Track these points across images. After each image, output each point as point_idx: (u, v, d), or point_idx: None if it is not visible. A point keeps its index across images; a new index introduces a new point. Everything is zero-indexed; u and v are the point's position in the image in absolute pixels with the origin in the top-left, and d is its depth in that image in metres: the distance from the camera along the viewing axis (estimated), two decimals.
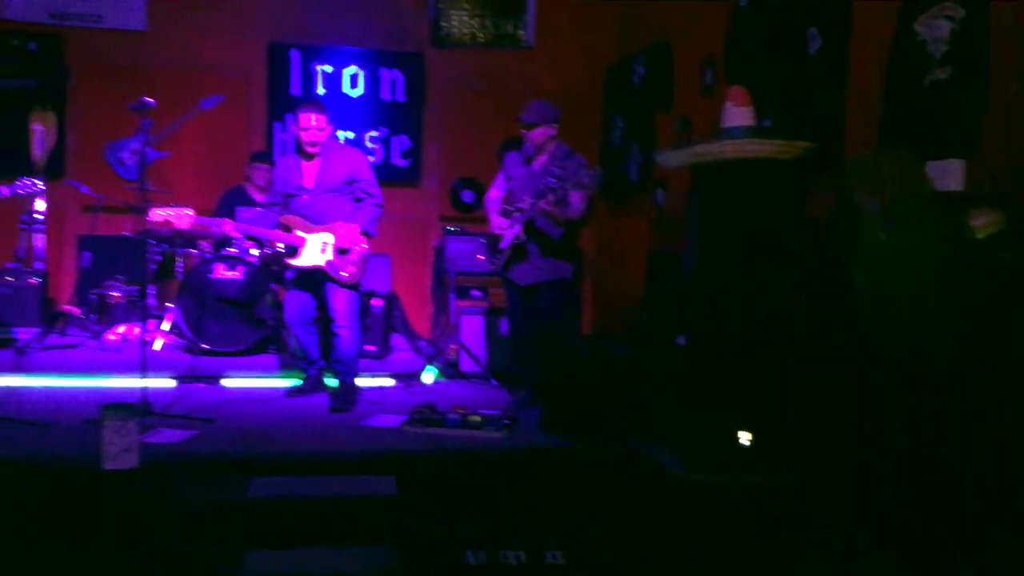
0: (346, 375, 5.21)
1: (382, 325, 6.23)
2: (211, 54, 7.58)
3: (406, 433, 4.54)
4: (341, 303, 5.10)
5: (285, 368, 5.81)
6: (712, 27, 5.87)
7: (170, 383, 5.55)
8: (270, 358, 6.05)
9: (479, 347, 6.09)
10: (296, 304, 5.23)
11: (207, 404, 5.05)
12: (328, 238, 5.02)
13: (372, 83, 7.82)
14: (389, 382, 5.85)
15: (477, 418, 4.58)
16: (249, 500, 3.50)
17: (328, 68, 7.73)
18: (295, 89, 7.68)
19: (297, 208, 5.12)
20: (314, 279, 5.12)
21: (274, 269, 6.13)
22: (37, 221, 6.82)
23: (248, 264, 6.05)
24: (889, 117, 4.17)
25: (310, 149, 5.08)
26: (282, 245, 5.82)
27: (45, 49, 7.26)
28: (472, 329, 6.13)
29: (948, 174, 3.70)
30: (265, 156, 7.02)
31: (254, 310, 6.01)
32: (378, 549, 3.29)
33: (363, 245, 5.08)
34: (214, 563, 3.23)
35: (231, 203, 6.42)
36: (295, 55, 7.68)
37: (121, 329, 6.32)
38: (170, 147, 6.71)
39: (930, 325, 3.17)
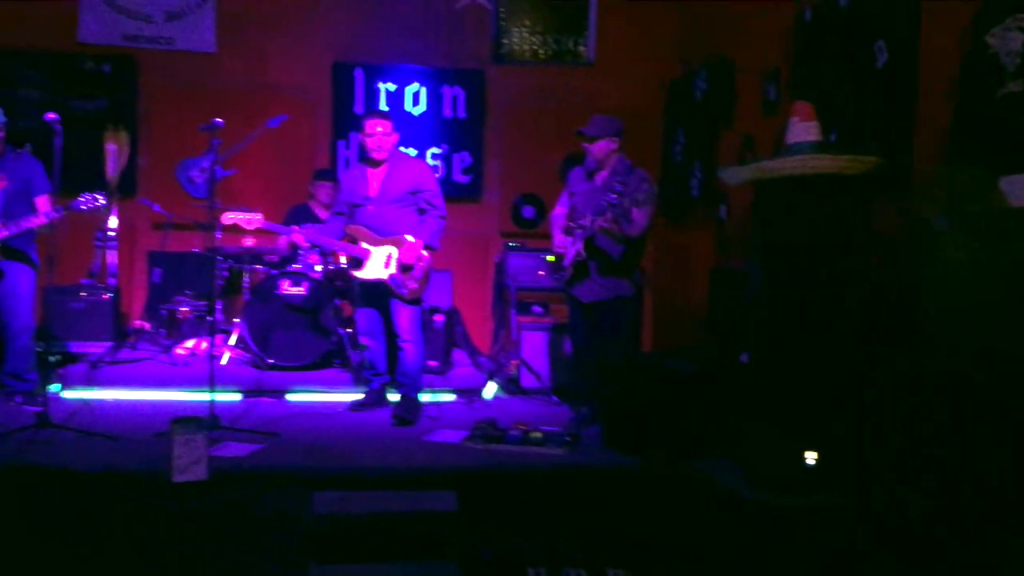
0: (409, 389, 5.25)
1: (444, 340, 6.27)
2: (277, 74, 7.73)
3: (467, 449, 4.55)
4: (404, 318, 5.15)
5: (349, 382, 5.87)
6: (775, 41, 5.81)
7: (236, 397, 5.65)
8: (334, 372, 6.12)
9: (540, 363, 6.09)
10: (364, 318, 5.30)
11: (272, 418, 5.13)
12: (392, 252, 5.07)
13: (434, 100, 7.90)
14: (450, 397, 5.88)
15: (538, 435, 4.57)
16: (314, 514, 3.54)
17: (391, 86, 7.83)
18: (359, 107, 7.78)
19: (362, 219, 5.19)
20: (379, 293, 5.18)
21: (338, 284, 6.21)
22: (110, 238, 7.02)
23: (312, 279, 6.14)
24: (960, 131, 4.07)
25: (375, 155, 5.14)
26: (344, 259, 5.92)
27: (118, 71, 7.48)
28: (533, 345, 6.14)
29: (1021, 189, 3.61)
30: (329, 174, 7.13)
31: (319, 325, 6.09)
32: (440, 565, 3.31)
33: (426, 259, 5.12)
34: None
35: (296, 220, 6.51)
36: (359, 74, 7.80)
37: (190, 343, 6.46)
38: (237, 165, 6.88)
39: (1005, 342, 3.08)
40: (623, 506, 4.00)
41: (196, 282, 6.80)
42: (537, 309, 6.71)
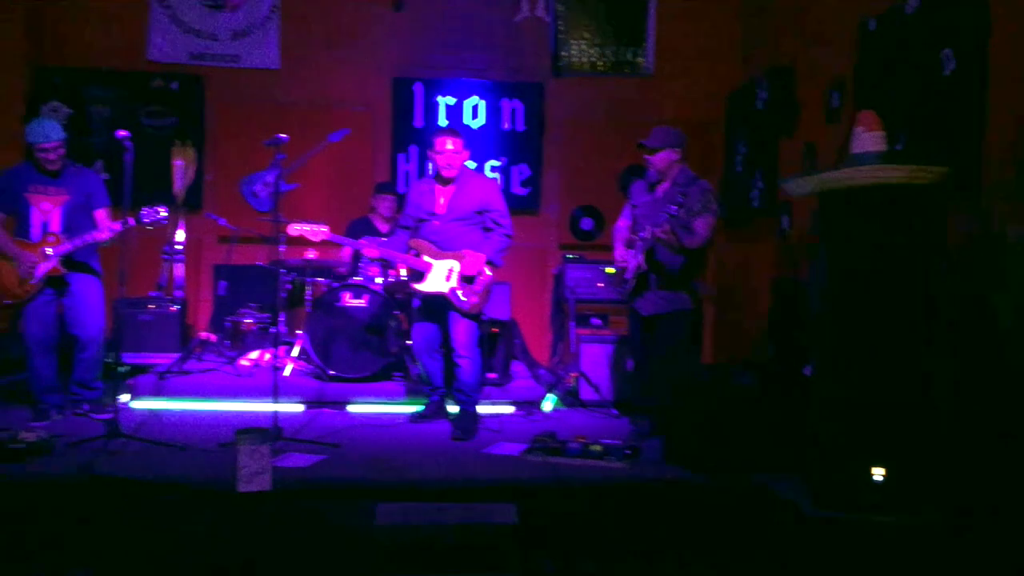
0: (467, 403, 5.26)
1: (503, 352, 6.28)
2: (339, 90, 7.85)
3: (527, 462, 4.54)
4: (463, 332, 5.16)
5: (408, 394, 5.91)
6: (838, 50, 5.72)
7: (299, 408, 5.73)
8: (394, 384, 6.17)
9: (599, 375, 6.06)
10: (422, 332, 5.33)
11: (334, 429, 5.18)
12: (454, 265, 5.10)
13: (493, 113, 7.94)
14: (509, 409, 5.88)
15: (598, 447, 4.55)
16: (376, 525, 3.57)
17: (451, 100, 7.90)
18: (418, 121, 7.87)
19: (427, 233, 5.23)
20: (439, 307, 5.21)
21: (398, 297, 6.26)
22: (177, 252, 7.19)
23: (374, 292, 6.20)
24: None
25: (446, 172, 5.18)
26: (405, 272, 5.97)
27: (186, 88, 7.68)
28: (592, 357, 6.11)
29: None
30: (389, 187, 7.20)
31: (379, 337, 6.14)
32: None
33: (488, 274, 5.14)
34: None
35: (356, 233, 6.59)
36: (418, 88, 7.89)
37: (253, 355, 6.57)
38: (299, 179, 6.99)
39: None
40: (684, 521, 3.96)
41: (260, 294, 6.91)
42: (596, 321, 6.69)
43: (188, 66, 7.63)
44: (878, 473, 3.69)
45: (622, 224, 5.30)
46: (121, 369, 5.21)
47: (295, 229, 5.25)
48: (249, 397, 5.75)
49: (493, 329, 6.17)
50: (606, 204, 7.76)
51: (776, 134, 6.68)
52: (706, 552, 3.76)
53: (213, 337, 6.88)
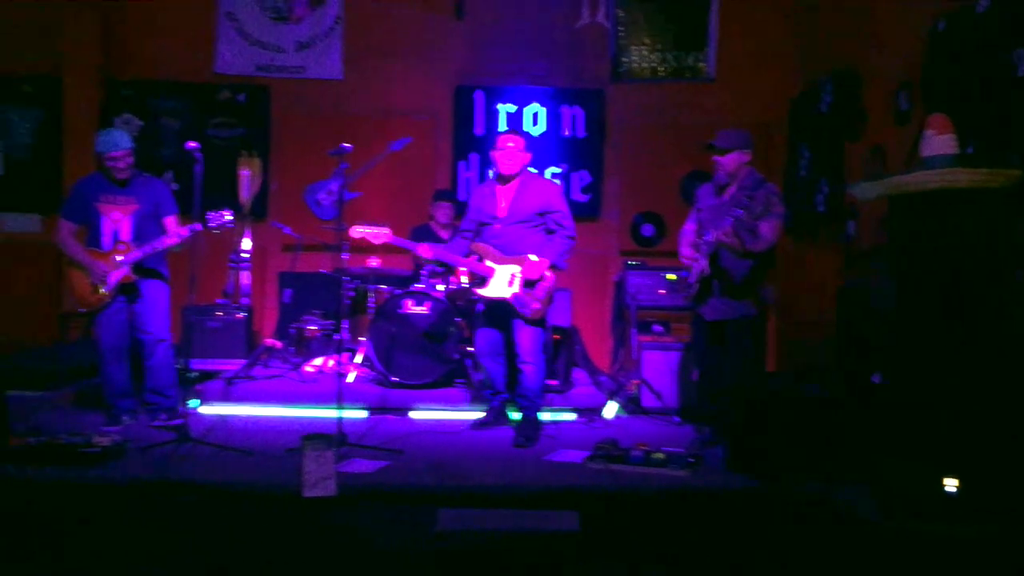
0: (530, 409, 5.26)
1: (564, 359, 6.26)
2: (401, 99, 7.94)
3: (589, 469, 4.53)
4: (526, 338, 5.16)
5: (470, 401, 5.93)
6: (906, 51, 5.61)
7: (362, 414, 5.79)
8: (456, 391, 6.20)
9: (661, 383, 6.02)
10: (485, 338, 5.35)
11: (397, 435, 5.23)
12: (516, 270, 5.11)
13: (553, 120, 7.95)
14: (570, 416, 5.87)
15: (660, 455, 4.51)
16: (438, 531, 3.58)
17: (511, 107, 7.93)
18: (479, 129, 7.91)
19: (488, 238, 5.25)
20: (502, 312, 5.22)
21: (460, 304, 6.29)
22: (243, 259, 7.33)
23: (435, 299, 6.24)
24: None
25: (505, 169, 5.20)
26: (466, 278, 6.00)
27: (252, 99, 7.84)
28: (654, 364, 6.07)
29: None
30: (447, 194, 7.26)
31: (441, 344, 6.18)
32: None
33: (550, 278, 5.14)
34: None
35: (418, 239, 6.62)
36: (479, 96, 7.93)
37: (318, 361, 6.66)
38: (361, 187, 7.07)
39: None
40: (748, 530, 3.91)
41: (324, 301, 7.01)
42: (658, 328, 6.64)
43: (254, 78, 7.79)
44: (951, 484, 3.60)
45: (688, 228, 5.25)
46: (190, 375, 5.31)
47: (357, 231, 5.31)
48: (313, 403, 5.83)
49: (554, 336, 6.16)
50: (667, 210, 7.73)
51: (841, 138, 6.57)
52: (771, 562, 3.70)
53: (278, 344, 6.99)
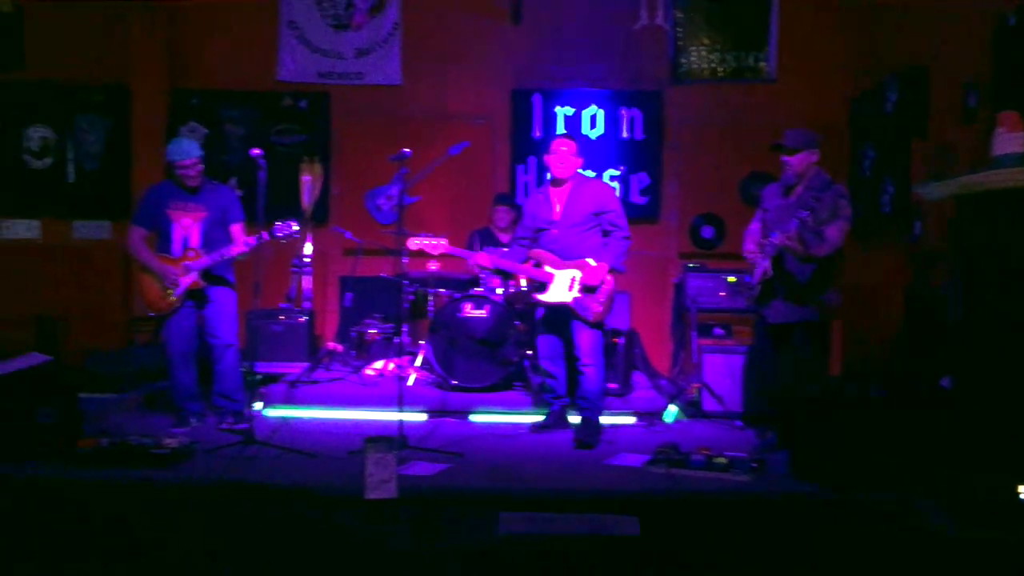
0: (590, 413, 5.25)
1: (623, 362, 6.24)
2: (459, 103, 7.99)
3: (649, 473, 4.50)
4: (586, 341, 5.16)
5: (530, 404, 5.94)
6: (974, 48, 5.47)
7: (422, 417, 5.82)
8: (515, 394, 6.21)
9: (722, 386, 5.95)
10: (545, 342, 5.36)
11: (457, 438, 5.25)
12: (576, 274, 5.11)
13: (611, 122, 7.92)
14: (630, 420, 5.84)
15: (723, 460, 4.46)
16: (499, 534, 3.60)
17: (569, 110, 7.92)
18: (537, 132, 7.92)
19: (546, 243, 5.25)
20: (561, 316, 5.22)
21: (519, 307, 6.31)
22: (305, 264, 7.44)
23: (494, 303, 6.26)
24: None
25: (558, 172, 5.21)
26: (525, 282, 6.01)
27: (313, 106, 7.96)
28: (715, 367, 6.00)
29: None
30: (506, 198, 7.28)
31: (500, 347, 6.20)
32: None
33: (610, 282, 5.13)
34: None
35: (478, 243, 6.69)
36: (537, 99, 7.94)
37: (378, 364, 6.73)
38: (421, 191, 7.14)
39: None
40: (813, 538, 3.85)
41: (384, 305, 7.09)
42: (719, 331, 6.58)
43: (315, 84, 7.91)
44: None
45: (753, 228, 5.18)
46: (254, 378, 5.40)
47: (415, 243, 5.35)
48: (374, 406, 5.89)
49: (614, 339, 6.14)
50: (727, 212, 7.65)
51: (907, 137, 6.43)
52: (836, 572, 3.64)
53: (340, 347, 7.08)
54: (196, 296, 5.35)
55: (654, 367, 7.02)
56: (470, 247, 6.68)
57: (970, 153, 5.19)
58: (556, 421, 5.47)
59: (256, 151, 5.04)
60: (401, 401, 4.93)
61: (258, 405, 5.79)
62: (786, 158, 4.90)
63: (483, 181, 7.91)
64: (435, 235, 5.44)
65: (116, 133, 7.84)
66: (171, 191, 5.40)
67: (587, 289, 5.09)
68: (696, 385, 6.05)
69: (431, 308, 6.75)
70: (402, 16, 7.83)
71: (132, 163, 7.79)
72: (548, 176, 5.41)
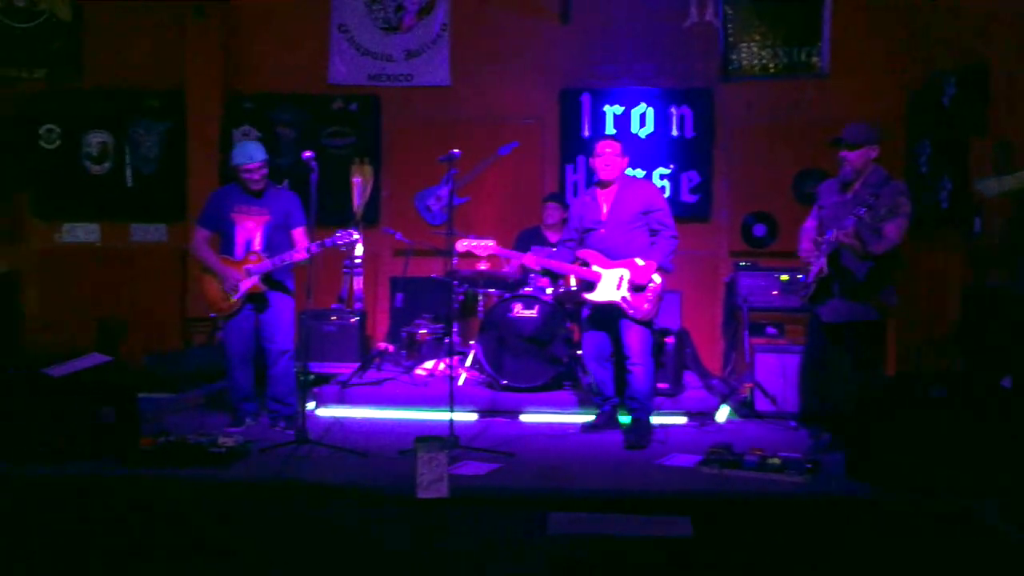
0: (640, 412, 5.22)
1: (674, 362, 6.19)
2: (507, 103, 7.99)
3: (701, 474, 4.47)
4: (635, 340, 5.14)
5: (580, 404, 5.93)
6: None
7: (472, 417, 5.84)
8: (565, 394, 6.20)
9: (775, 386, 5.88)
10: (593, 342, 5.35)
11: (507, 438, 5.26)
12: (624, 273, 5.09)
13: (661, 121, 7.86)
14: (681, 420, 5.79)
15: (776, 461, 4.41)
16: (549, 535, 3.60)
17: (618, 109, 7.88)
18: (586, 131, 7.90)
19: (593, 243, 5.24)
20: (610, 316, 5.21)
21: (568, 307, 6.30)
22: (356, 265, 7.51)
23: (543, 302, 6.26)
24: None
25: (603, 174, 5.21)
26: (574, 281, 5.99)
27: (363, 108, 8.03)
28: (767, 367, 5.93)
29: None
30: (556, 197, 7.28)
31: (550, 347, 6.20)
32: None
33: (657, 281, 5.10)
34: None
35: (527, 242, 6.69)
36: (586, 98, 7.91)
37: (429, 364, 6.77)
38: (470, 192, 7.16)
39: None
40: (870, 541, 3.78)
41: (434, 305, 7.12)
42: (771, 330, 6.50)
43: (365, 87, 7.98)
44: None
45: (809, 225, 5.10)
46: (307, 378, 5.46)
47: (463, 245, 5.36)
48: (425, 406, 5.92)
49: (664, 338, 6.10)
50: (779, 210, 7.56)
51: (966, 132, 6.29)
52: (893, 574, 3.58)
53: (390, 347, 7.13)
54: (256, 300, 5.41)
55: (705, 367, 6.96)
56: (519, 246, 6.68)
57: None
58: (606, 421, 5.45)
59: (308, 154, 5.09)
60: (451, 401, 4.95)
61: (310, 405, 5.86)
62: (845, 153, 4.81)
63: (532, 181, 7.91)
64: (484, 236, 5.45)
65: (172, 137, 7.99)
66: (235, 194, 5.47)
67: (636, 288, 5.07)
68: (748, 385, 5.98)
69: (481, 308, 6.77)
70: (450, 17, 7.87)
71: (187, 167, 7.94)
72: (595, 178, 5.40)
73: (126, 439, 4.63)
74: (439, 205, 7.59)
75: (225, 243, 5.47)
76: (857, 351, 4.78)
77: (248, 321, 5.43)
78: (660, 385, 5.95)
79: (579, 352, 6.14)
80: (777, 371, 5.90)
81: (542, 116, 8.00)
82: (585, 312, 5.40)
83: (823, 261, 4.73)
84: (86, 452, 4.52)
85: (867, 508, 4.02)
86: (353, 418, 5.88)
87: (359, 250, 7.50)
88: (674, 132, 7.87)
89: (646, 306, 5.08)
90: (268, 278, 5.37)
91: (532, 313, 6.26)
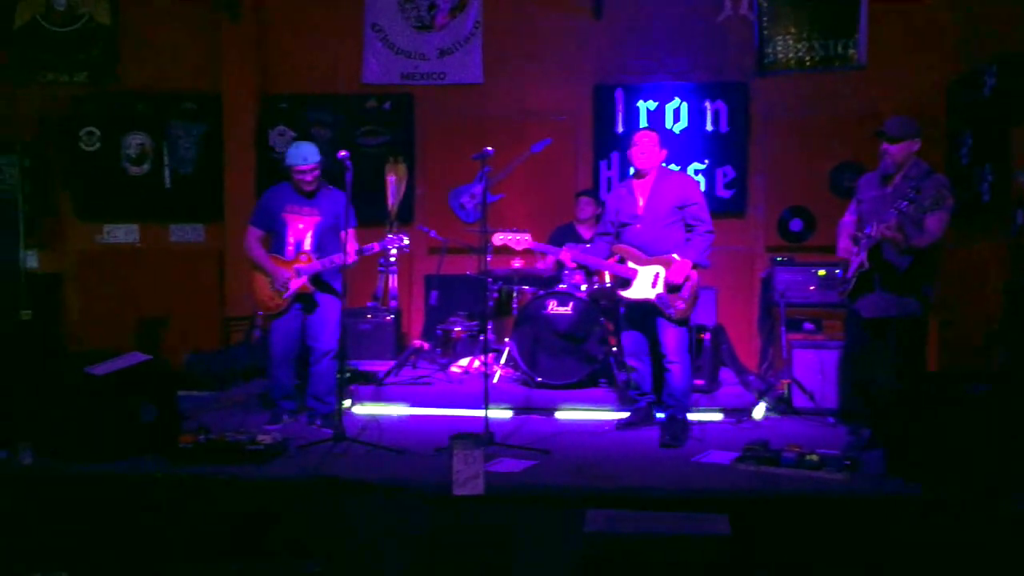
0: (676, 410, 5.20)
1: (710, 359, 6.15)
2: (540, 100, 7.99)
3: (738, 471, 4.43)
4: (671, 338, 5.11)
5: (615, 401, 5.91)
6: None
7: (507, 414, 5.85)
8: (600, 391, 6.19)
9: (813, 382, 5.82)
10: (630, 339, 5.32)
11: (542, 435, 5.26)
12: (660, 271, 5.06)
13: (695, 115, 7.82)
14: (717, 417, 5.76)
15: (815, 458, 4.36)
16: (585, 532, 3.59)
17: (652, 104, 7.85)
18: (619, 127, 7.87)
19: (629, 238, 5.21)
20: (646, 313, 5.18)
21: (603, 304, 6.28)
22: (391, 263, 7.55)
23: (578, 299, 6.25)
24: None
25: (639, 164, 5.18)
26: (609, 278, 5.98)
27: (397, 107, 8.07)
28: (805, 363, 5.88)
29: None
30: (589, 192, 7.27)
31: (585, 344, 6.19)
32: None
33: (694, 278, 5.07)
34: None
35: (561, 239, 6.68)
36: (619, 94, 7.89)
37: (464, 362, 6.79)
38: (503, 189, 7.16)
39: None
40: (911, 539, 3.74)
41: (468, 303, 7.13)
42: (808, 326, 6.43)
43: (399, 86, 8.02)
44: None
45: (847, 220, 5.04)
46: (344, 376, 5.49)
47: (499, 239, 5.36)
48: (460, 403, 5.94)
49: (700, 335, 6.06)
50: (816, 204, 7.48)
51: (1007, 123, 6.18)
52: (934, 573, 3.53)
53: (426, 345, 7.16)
54: (304, 300, 5.44)
55: (742, 363, 6.91)
56: (552, 243, 6.66)
57: None
58: (642, 418, 5.43)
59: (343, 153, 5.11)
60: (487, 398, 4.96)
61: (347, 403, 5.89)
62: (887, 147, 4.74)
63: (565, 178, 7.90)
64: (519, 230, 5.44)
65: (208, 139, 8.09)
66: (288, 194, 5.50)
67: (671, 287, 5.04)
68: (786, 381, 5.93)
69: (515, 305, 6.77)
70: (483, 15, 7.88)
71: (224, 167, 8.02)
72: (631, 171, 5.37)
73: (166, 437, 4.69)
74: (473, 203, 7.61)
75: (276, 242, 5.51)
76: (899, 346, 4.71)
77: (295, 320, 5.47)
78: (697, 382, 5.91)
79: (614, 348, 6.13)
80: (815, 367, 5.85)
81: (575, 112, 7.98)
82: (622, 309, 5.39)
83: (864, 255, 4.67)
84: (129, 450, 4.58)
85: (908, 505, 3.96)
86: (389, 415, 5.91)
87: (395, 249, 7.52)
88: (708, 127, 7.82)
89: (681, 305, 5.05)
90: (317, 279, 5.40)
91: (567, 310, 6.25)
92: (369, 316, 7.09)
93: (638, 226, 5.19)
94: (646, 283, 5.08)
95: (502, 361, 6.67)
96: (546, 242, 6.66)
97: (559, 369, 6.20)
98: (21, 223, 7.45)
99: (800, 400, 5.83)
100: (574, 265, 5.55)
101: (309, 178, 5.38)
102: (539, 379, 6.21)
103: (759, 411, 5.76)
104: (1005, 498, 3.80)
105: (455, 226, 7.48)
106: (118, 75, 8.13)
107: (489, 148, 5.14)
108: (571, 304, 6.25)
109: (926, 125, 7.10)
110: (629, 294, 5.15)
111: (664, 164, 5.32)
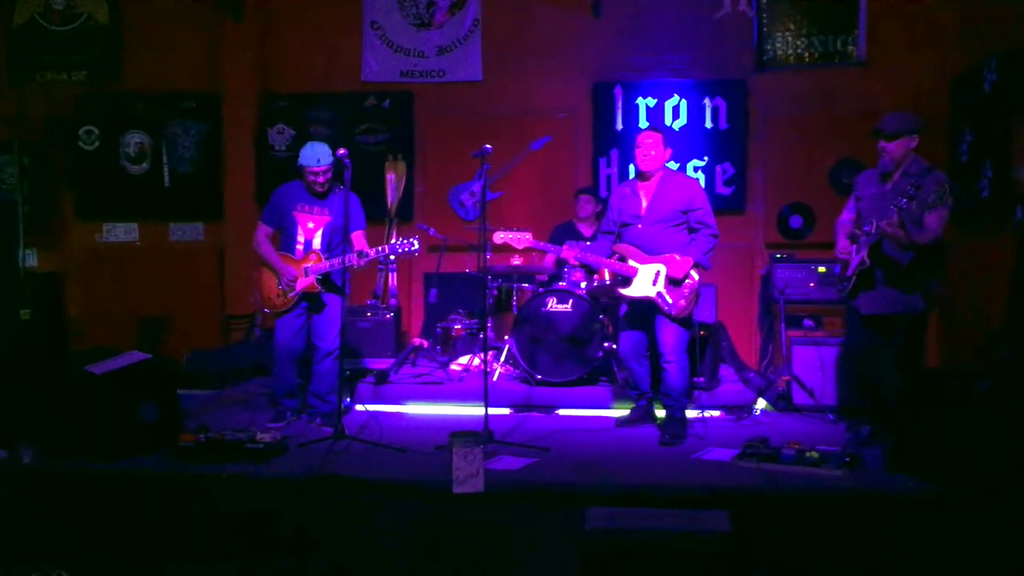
0: (675, 408, 5.19)
1: (710, 356, 6.15)
2: (540, 97, 7.98)
3: (738, 468, 4.43)
4: (670, 336, 5.10)
5: (615, 399, 5.91)
6: None
7: (507, 412, 5.85)
8: (600, 389, 6.19)
9: (813, 379, 5.82)
10: (629, 337, 5.32)
11: (542, 433, 5.26)
12: (661, 269, 5.05)
13: (694, 112, 7.80)
14: (717, 414, 5.76)
15: (815, 454, 4.36)
16: (586, 530, 3.59)
17: (651, 101, 7.83)
18: (618, 124, 7.86)
19: (631, 238, 5.21)
20: (646, 312, 5.18)
21: (603, 301, 6.28)
22: (391, 261, 7.55)
23: (578, 297, 6.24)
24: None
25: (644, 165, 5.17)
26: (609, 275, 5.97)
27: (396, 105, 8.05)
28: (805, 360, 5.89)
29: None
30: (589, 189, 7.26)
31: (585, 342, 6.18)
32: None
33: (695, 278, 5.06)
34: None
35: (561, 237, 6.67)
36: (618, 91, 7.87)
37: (463, 360, 6.78)
38: (503, 187, 7.15)
39: None
40: (911, 536, 3.74)
41: (468, 301, 7.13)
42: (808, 323, 6.43)
43: (398, 84, 8.01)
44: None
45: (845, 217, 5.03)
46: (344, 374, 5.49)
47: (499, 237, 5.36)
48: (460, 401, 5.94)
49: (700, 332, 6.06)
50: (816, 201, 7.47)
51: (1008, 119, 6.17)
52: (934, 570, 3.53)
53: (425, 343, 7.16)
54: (310, 299, 5.45)
55: (742, 360, 6.91)
56: (552, 241, 6.65)
57: None
58: (642, 416, 5.43)
59: (342, 151, 5.11)
60: (486, 396, 4.96)
61: (347, 400, 5.89)
62: (884, 144, 4.73)
63: (565, 175, 7.89)
64: (520, 229, 5.44)
65: (208, 137, 8.08)
66: (299, 193, 5.50)
67: (672, 282, 5.03)
68: (785, 378, 5.93)
69: (515, 303, 6.77)
70: (482, 12, 7.87)
71: (223, 166, 8.02)
72: (632, 172, 5.36)
73: (167, 435, 4.69)
74: (472, 200, 7.61)
75: (285, 240, 5.51)
76: (900, 343, 4.71)
77: (300, 319, 5.48)
78: (696, 379, 5.91)
79: (614, 346, 6.13)
80: (814, 364, 5.85)
81: (574, 110, 7.97)
82: (623, 309, 5.38)
83: (864, 253, 4.66)
84: (130, 448, 4.59)
85: (909, 502, 3.96)
86: (388, 413, 5.91)
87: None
88: (708, 124, 7.81)
89: (682, 302, 5.04)
90: (324, 279, 5.41)
91: (566, 308, 6.25)
92: (369, 314, 7.08)
93: (640, 227, 5.18)
94: (647, 281, 5.08)
95: (502, 359, 6.67)
96: (546, 240, 6.67)
97: (559, 367, 6.20)
98: (21, 222, 7.43)
99: (800, 397, 5.84)
100: (575, 263, 5.54)
101: (322, 179, 5.39)
102: (539, 377, 6.21)
103: (759, 408, 5.76)
104: (1006, 495, 3.80)
105: (454, 224, 7.48)
106: (117, 74, 8.12)
107: (488, 146, 5.13)
108: (571, 302, 6.25)
109: (927, 122, 7.14)
110: (629, 292, 5.15)
111: (668, 162, 5.30)
